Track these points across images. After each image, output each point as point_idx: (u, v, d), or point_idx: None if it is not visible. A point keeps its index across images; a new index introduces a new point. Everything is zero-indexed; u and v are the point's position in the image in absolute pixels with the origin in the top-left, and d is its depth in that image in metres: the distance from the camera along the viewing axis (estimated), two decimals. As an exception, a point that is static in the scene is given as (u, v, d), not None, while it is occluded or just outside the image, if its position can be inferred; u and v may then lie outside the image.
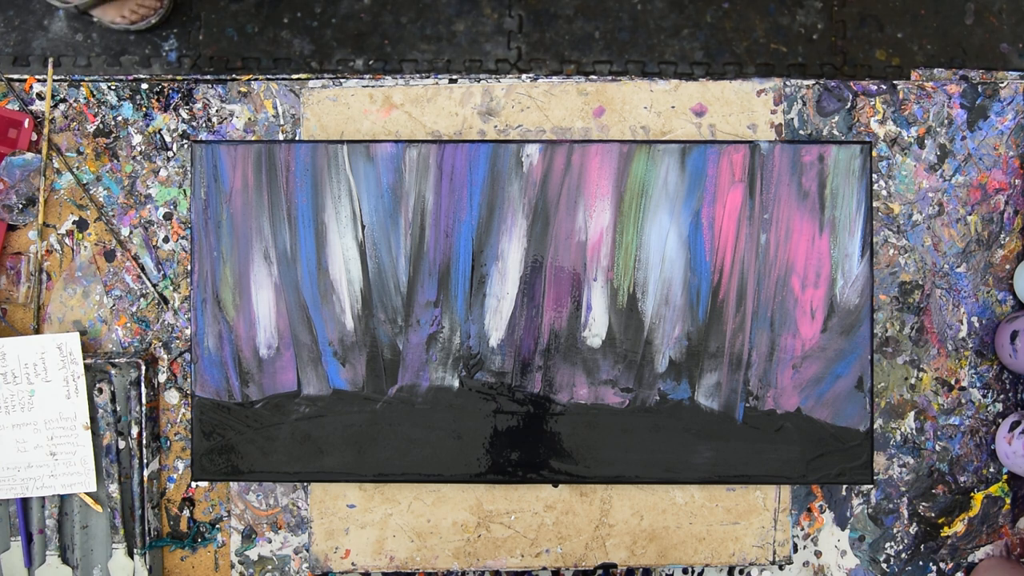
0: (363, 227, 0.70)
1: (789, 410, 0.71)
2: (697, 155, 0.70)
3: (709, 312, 0.70)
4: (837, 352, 0.70)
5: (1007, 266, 0.75)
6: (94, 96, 0.76)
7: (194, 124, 0.76)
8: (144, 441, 0.73)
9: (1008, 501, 0.75)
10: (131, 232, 0.76)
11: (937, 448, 0.75)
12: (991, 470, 0.75)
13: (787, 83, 0.75)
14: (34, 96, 0.77)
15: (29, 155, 0.75)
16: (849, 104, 0.75)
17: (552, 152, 0.70)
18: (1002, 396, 0.75)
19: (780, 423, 0.71)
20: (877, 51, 1.44)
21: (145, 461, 0.73)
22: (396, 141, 0.70)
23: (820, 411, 0.71)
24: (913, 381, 0.75)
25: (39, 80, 0.76)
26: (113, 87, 0.76)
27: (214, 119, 0.76)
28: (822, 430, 0.71)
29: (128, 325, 0.76)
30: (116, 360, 0.73)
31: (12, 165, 0.74)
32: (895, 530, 0.75)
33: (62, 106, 0.76)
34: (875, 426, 0.75)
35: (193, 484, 0.75)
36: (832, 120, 0.75)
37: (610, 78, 0.75)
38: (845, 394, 0.70)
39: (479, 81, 0.75)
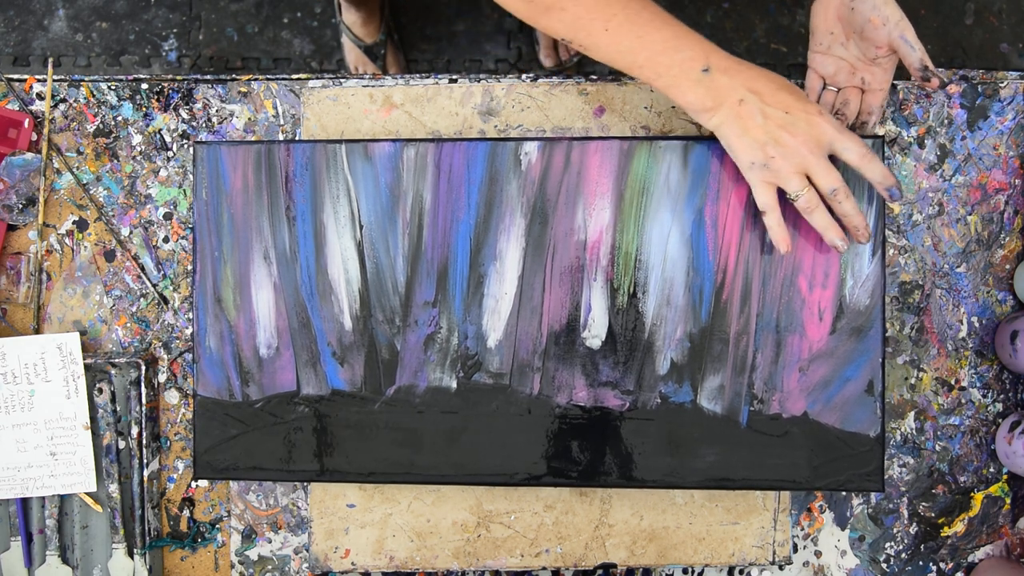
0: (361, 227, 0.70)
1: (795, 414, 0.68)
2: (700, 151, 0.68)
3: (712, 313, 0.69)
4: (846, 354, 0.68)
5: (1007, 266, 0.75)
6: (94, 96, 0.76)
7: (194, 124, 0.76)
8: (144, 441, 0.73)
9: (1008, 501, 0.75)
10: (131, 232, 0.76)
11: (937, 448, 0.75)
12: (991, 470, 0.75)
13: (787, 83, 0.75)
14: (34, 96, 0.77)
15: (29, 155, 0.75)
16: (849, 104, 0.75)
17: (551, 150, 0.69)
18: (1002, 396, 0.75)
19: (786, 428, 0.69)
20: (878, 51, 1.44)
21: (145, 461, 0.74)
22: (394, 140, 0.69)
23: (828, 415, 0.68)
24: (913, 381, 0.75)
25: (39, 80, 0.76)
26: (113, 87, 0.76)
27: (214, 119, 0.76)
28: (830, 435, 0.68)
29: (128, 325, 0.76)
30: (116, 360, 0.73)
31: (12, 165, 0.74)
32: (895, 530, 0.75)
33: (62, 106, 0.76)
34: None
35: (193, 483, 0.75)
36: (832, 120, 0.75)
37: (611, 78, 0.75)
38: (855, 398, 0.68)
39: (479, 81, 0.75)
